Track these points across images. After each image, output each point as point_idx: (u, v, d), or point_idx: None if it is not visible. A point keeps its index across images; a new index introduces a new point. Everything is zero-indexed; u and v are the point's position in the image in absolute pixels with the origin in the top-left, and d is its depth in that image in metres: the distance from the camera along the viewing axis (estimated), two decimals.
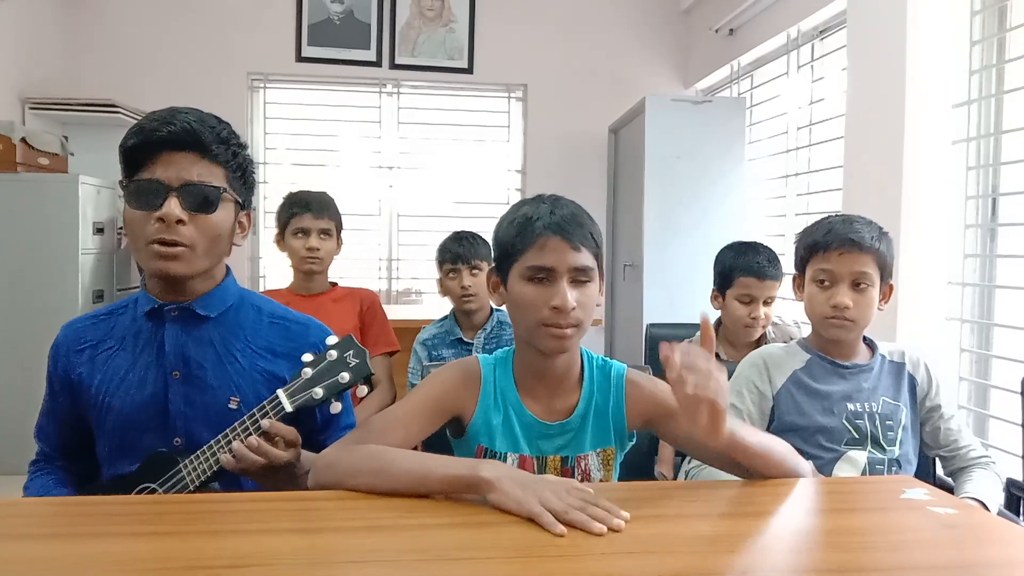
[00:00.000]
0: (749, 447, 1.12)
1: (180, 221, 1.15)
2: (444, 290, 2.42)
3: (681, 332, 2.47)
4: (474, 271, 2.33)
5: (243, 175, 1.26)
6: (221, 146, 1.20)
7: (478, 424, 1.24)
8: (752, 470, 1.15)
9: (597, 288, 1.22)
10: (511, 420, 1.24)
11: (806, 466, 1.20)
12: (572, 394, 1.27)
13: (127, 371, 1.24)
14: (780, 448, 1.17)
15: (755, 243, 2.24)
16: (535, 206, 1.21)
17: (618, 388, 1.27)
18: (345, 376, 1.17)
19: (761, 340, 2.22)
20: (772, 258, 2.19)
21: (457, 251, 2.36)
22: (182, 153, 1.17)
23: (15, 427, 1.90)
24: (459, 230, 2.45)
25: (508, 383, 1.26)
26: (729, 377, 1.58)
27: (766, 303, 2.17)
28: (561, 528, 0.91)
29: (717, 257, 2.28)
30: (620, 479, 1.31)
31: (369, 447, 1.10)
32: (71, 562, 0.82)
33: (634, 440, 1.31)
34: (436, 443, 1.38)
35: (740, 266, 2.16)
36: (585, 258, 1.18)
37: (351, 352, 1.19)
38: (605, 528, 0.92)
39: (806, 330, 1.85)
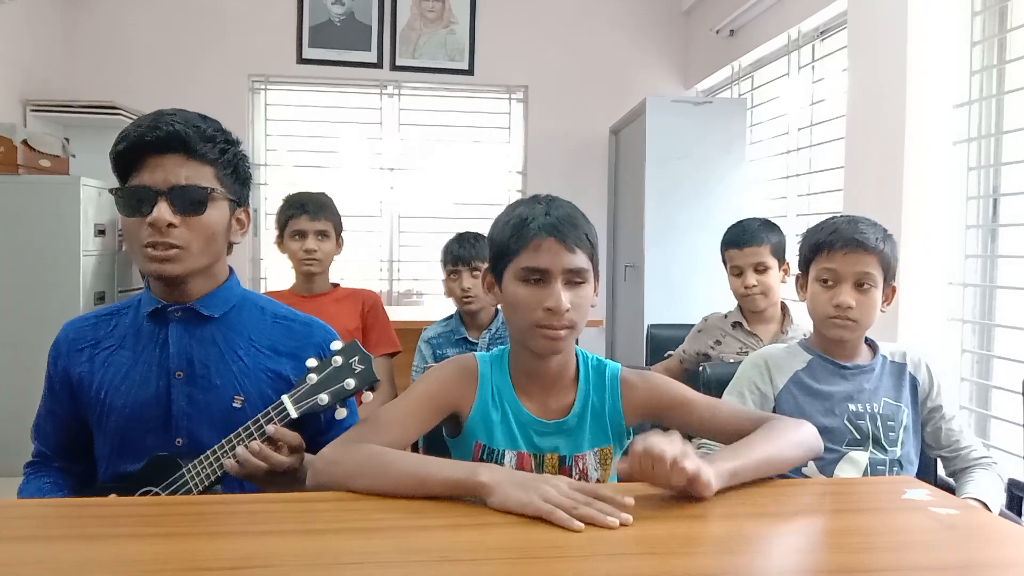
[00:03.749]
0: (754, 472, 1.10)
1: (171, 225, 1.15)
2: (448, 291, 2.43)
3: (681, 332, 2.47)
4: (475, 272, 2.33)
5: (235, 171, 1.25)
6: (207, 145, 1.19)
7: (476, 421, 1.24)
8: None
9: (592, 289, 1.21)
10: (508, 418, 1.24)
11: (810, 433, 1.20)
12: (567, 394, 1.27)
13: (129, 370, 1.24)
14: (778, 448, 1.15)
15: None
16: (530, 207, 1.21)
17: (613, 388, 1.27)
18: (351, 383, 1.16)
19: (764, 312, 2.25)
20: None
21: (458, 253, 2.35)
22: (168, 156, 1.16)
23: (16, 428, 1.90)
24: (463, 231, 2.43)
25: (504, 381, 1.26)
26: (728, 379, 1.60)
27: (759, 270, 2.21)
28: (579, 524, 0.91)
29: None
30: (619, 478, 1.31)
31: (369, 447, 1.09)
32: (71, 564, 0.82)
33: (631, 438, 1.30)
34: (437, 442, 1.38)
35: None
36: (579, 259, 1.18)
37: (356, 358, 1.17)
38: (618, 522, 0.92)
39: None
